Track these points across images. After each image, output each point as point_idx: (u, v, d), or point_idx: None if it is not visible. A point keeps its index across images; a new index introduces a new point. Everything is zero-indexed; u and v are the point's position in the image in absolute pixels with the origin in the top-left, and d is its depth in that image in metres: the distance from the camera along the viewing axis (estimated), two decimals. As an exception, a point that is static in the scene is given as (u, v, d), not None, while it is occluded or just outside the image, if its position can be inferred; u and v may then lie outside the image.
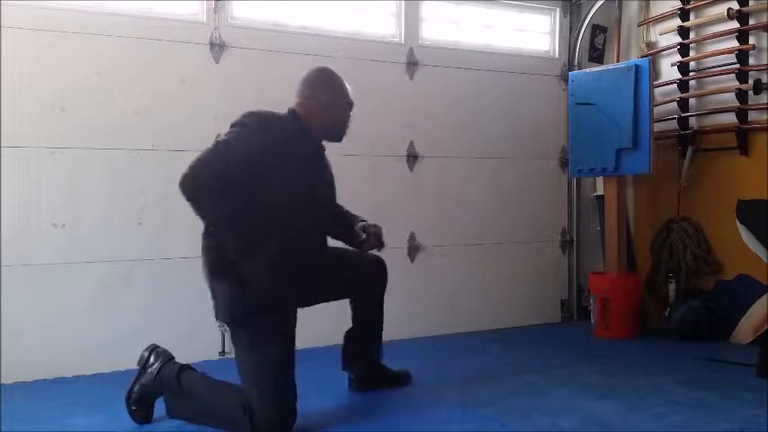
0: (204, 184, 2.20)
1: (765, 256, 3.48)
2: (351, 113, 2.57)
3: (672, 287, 3.85)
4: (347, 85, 2.56)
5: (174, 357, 2.45)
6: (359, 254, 2.68)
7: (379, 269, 2.77)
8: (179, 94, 3.26)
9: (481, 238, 4.07)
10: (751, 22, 3.53)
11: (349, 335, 2.81)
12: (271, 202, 2.30)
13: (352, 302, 2.77)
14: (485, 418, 2.47)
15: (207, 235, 2.26)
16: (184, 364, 2.41)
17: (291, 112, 2.48)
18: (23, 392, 2.79)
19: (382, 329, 2.84)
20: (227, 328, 2.58)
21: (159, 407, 2.40)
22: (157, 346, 2.46)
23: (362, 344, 2.81)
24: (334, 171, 2.66)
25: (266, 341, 2.26)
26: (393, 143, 3.80)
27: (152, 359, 2.42)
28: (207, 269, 2.27)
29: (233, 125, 2.35)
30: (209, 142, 3.29)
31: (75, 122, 3.06)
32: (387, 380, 2.85)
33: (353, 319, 2.78)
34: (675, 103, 3.89)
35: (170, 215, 3.24)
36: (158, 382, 2.37)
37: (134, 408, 2.38)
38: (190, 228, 3.23)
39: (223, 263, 2.23)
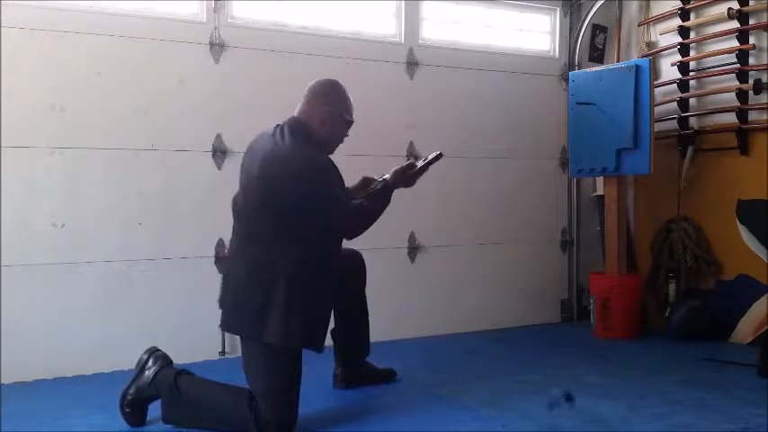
0: (357, 225, 2.43)
1: (765, 256, 3.48)
2: (348, 132, 2.56)
3: (672, 287, 3.85)
4: (352, 103, 2.55)
5: (172, 362, 2.42)
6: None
7: (359, 264, 2.78)
8: (179, 93, 3.26)
9: (481, 238, 4.07)
10: (751, 21, 3.53)
11: (334, 333, 2.80)
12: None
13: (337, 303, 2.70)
14: (485, 418, 2.47)
15: (280, 259, 2.27)
16: (181, 369, 2.38)
17: (295, 120, 2.43)
18: (23, 392, 2.79)
19: (368, 325, 2.87)
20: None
21: (154, 409, 2.38)
22: (157, 350, 2.44)
23: (347, 341, 2.83)
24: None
25: (287, 357, 2.30)
26: (393, 143, 3.80)
27: (150, 362, 2.39)
28: (265, 292, 2.25)
29: (304, 182, 2.28)
30: (208, 142, 3.34)
31: (75, 122, 3.06)
32: (370, 377, 2.89)
33: (336, 316, 2.74)
34: (675, 103, 3.89)
35: (170, 215, 3.25)
36: (154, 387, 2.34)
37: (128, 410, 2.36)
38: (190, 228, 3.28)
39: (299, 287, 2.26)
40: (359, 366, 2.88)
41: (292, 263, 2.27)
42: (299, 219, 2.28)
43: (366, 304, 2.87)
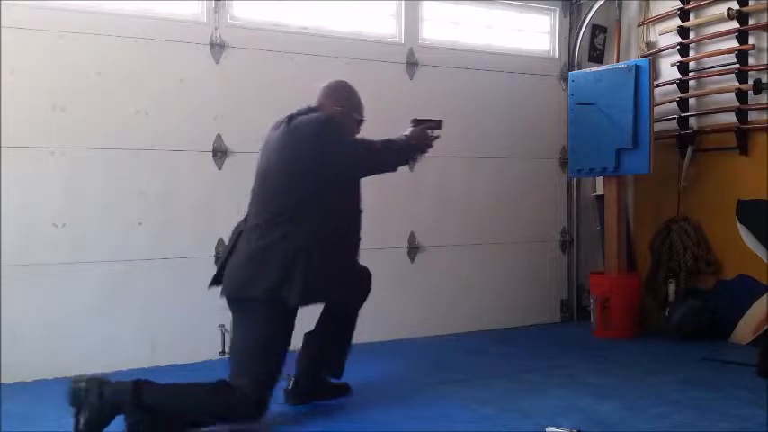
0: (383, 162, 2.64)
1: (765, 256, 3.49)
2: (359, 130, 2.64)
3: (672, 287, 3.85)
4: (362, 102, 2.63)
5: (107, 380, 2.17)
6: (355, 260, 2.65)
7: (367, 284, 2.68)
8: (179, 94, 3.26)
9: (481, 239, 4.07)
10: (751, 22, 3.54)
11: (307, 340, 2.62)
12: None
13: (325, 308, 2.61)
14: (485, 417, 2.47)
15: (294, 219, 2.36)
16: (136, 380, 2.17)
17: (310, 108, 2.53)
18: (23, 392, 2.79)
19: (349, 345, 2.67)
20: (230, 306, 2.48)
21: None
22: (82, 378, 2.16)
23: (314, 354, 2.61)
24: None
25: (283, 323, 2.34)
26: (393, 143, 3.79)
27: (83, 391, 2.11)
28: (284, 251, 2.31)
29: (322, 138, 2.42)
30: (208, 142, 3.34)
31: (75, 122, 3.06)
32: (323, 393, 2.65)
33: (321, 325, 2.62)
34: (675, 103, 3.90)
35: (170, 215, 3.25)
36: (108, 408, 2.11)
37: None
38: (190, 228, 3.28)
39: (318, 252, 2.33)
40: (314, 381, 2.62)
41: (311, 233, 2.34)
42: (323, 182, 2.39)
43: (354, 324, 2.68)
